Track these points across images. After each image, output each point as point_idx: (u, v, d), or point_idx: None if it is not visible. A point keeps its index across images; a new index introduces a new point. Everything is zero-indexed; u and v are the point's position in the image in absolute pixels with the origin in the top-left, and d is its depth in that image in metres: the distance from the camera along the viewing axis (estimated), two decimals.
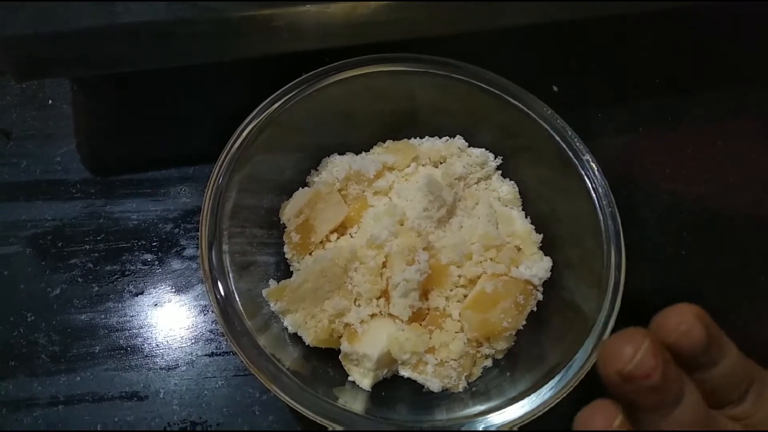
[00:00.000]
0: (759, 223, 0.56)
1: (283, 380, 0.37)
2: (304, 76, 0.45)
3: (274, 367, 0.37)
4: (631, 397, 0.26)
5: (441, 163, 0.49)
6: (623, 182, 0.56)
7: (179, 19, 0.43)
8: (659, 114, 0.60)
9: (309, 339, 0.42)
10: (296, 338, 0.43)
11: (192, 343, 0.47)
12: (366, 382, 0.42)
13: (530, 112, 0.44)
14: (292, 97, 0.44)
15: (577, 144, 0.43)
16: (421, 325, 0.43)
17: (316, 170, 0.48)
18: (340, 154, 0.49)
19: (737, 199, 0.57)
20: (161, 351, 0.47)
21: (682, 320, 0.27)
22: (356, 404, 0.40)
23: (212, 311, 0.47)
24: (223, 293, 0.39)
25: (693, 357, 0.27)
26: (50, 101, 0.55)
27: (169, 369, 0.46)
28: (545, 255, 0.45)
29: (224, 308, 0.38)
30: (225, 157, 0.42)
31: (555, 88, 0.58)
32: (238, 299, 0.39)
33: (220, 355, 0.47)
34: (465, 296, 0.43)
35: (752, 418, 0.29)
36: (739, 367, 0.28)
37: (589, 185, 0.42)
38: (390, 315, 0.42)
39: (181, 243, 0.50)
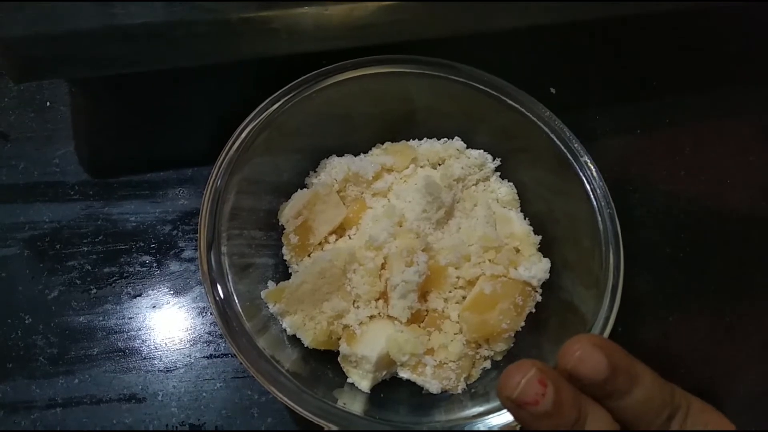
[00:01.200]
0: (756, 223, 0.57)
1: (282, 382, 0.37)
2: (302, 78, 0.45)
3: (273, 369, 0.37)
4: (528, 424, 0.27)
5: (439, 164, 0.49)
6: (621, 183, 0.56)
7: (178, 21, 0.43)
8: (657, 115, 0.60)
9: (308, 341, 0.42)
10: (295, 340, 0.43)
11: (190, 345, 0.47)
12: (365, 384, 0.42)
13: (528, 114, 0.45)
14: (291, 98, 0.44)
15: (575, 145, 0.43)
16: (419, 326, 0.43)
17: (315, 172, 0.48)
18: (338, 155, 0.49)
19: (735, 200, 0.57)
20: (159, 353, 0.46)
21: (578, 347, 0.27)
22: (355, 406, 0.40)
23: (211, 313, 0.47)
24: (222, 295, 0.39)
25: (595, 384, 0.27)
26: (48, 103, 0.55)
27: (167, 371, 0.46)
28: (544, 256, 0.46)
29: (223, 310, 0.38)
30: (224, 159, 0.42)
31: (553, 90, 0.58)
32: (237, 301, 0.39)
33: (218, 357, 0.47)
34: (464, 297, 0.43)
35: None
36: (655, 395, 0.29)
37: (588, 187, 0.42)
38: (389, 316, 0.42)
39: (180, 245, 0.50)
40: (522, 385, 0.27)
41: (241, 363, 0.37)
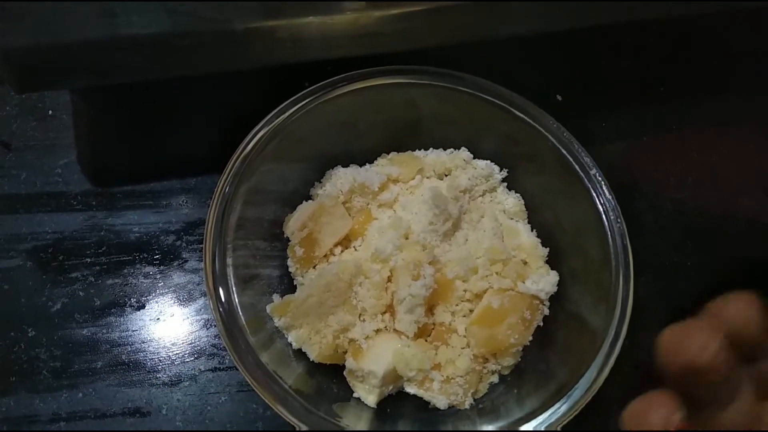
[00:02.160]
0: (764, 230, 0.56)
1: (288, 400, 0.36)
2: (310, 88, 0.44)
3: (279, 387, 0.37)
4: (690, 389, 0.25)
5: (446, 175, 0.49)
6: (627, 190, 0.56)
7: (182, 32, 0.43)
8: (663, 122, 0.60)
9: (313, 355, 0.42)
10: (300, 354, 0.42)
11: (195, 358, 0.46)
12: (371, 399, 0.41)
13: (536, 125, 0.44)
14: (299, 108, 0.44)
15: (584, 158, 0.43)
16: (426, 340, 0.42)
17: (320, 183, 0.48)
18: (344, 166, 0.49)
19: (743, 206, 0.57)
20: (164, 366, 0.46)
21: (744, 308, 0.26)
22: (361, 421, 0.40)
23: (215, 326, 0.46)
24: (227, 309, 0.39)
25: (753, 345, 0.26)
26: (50, 112, 0.54)
27: (171, 384, 0.46)
28: (551, 268, 0.45)
29: (228, 326, 0.38)
30: (232, 168, 0.42)
31: (559, 97, 0.58)
32: (241, 315, 0.39)
33: (223, 370, 0.46)
34: (471, 311, 0.43)
35: None
36: None
37: (597, 200, 0.42)
38: (395, 330, 0.42)
39: (183, 256, 0.50)
40: (711, 351, 0.24)
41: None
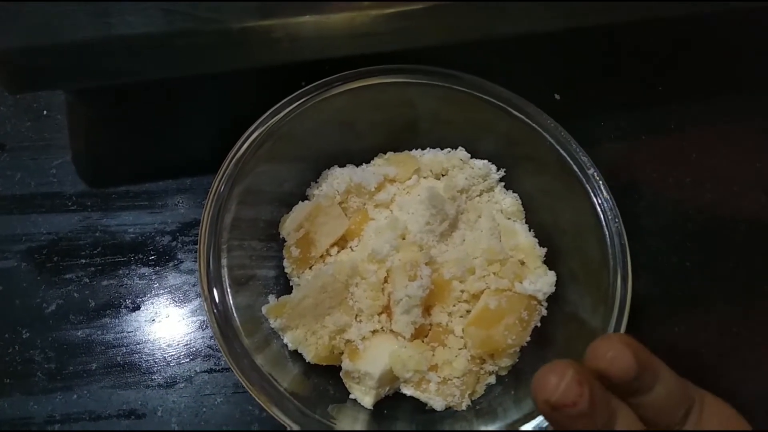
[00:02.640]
0: (765, 230, 0.56)
1: (283, 402, 0.36)
2: (305, 88, 0.44)
3: (274, 389, 0.36)
4: (563, 425, 0.27)
5: (443, 175, 0.48)
6: (626, 191, 0.55)
7: (177, 31, 0.43)
8: (663, 122, 0.59)
9: (309, 356, 0.41)
10: (296, 355, 0.42)
11: (190, 360, 0.46)
12: (367, 400, 0.41)
13: (534, 125, 0.44)
14: (294, 108, 0.44)
15: (582, 158, 0.42)
16: (423, 341, 0.42)
17: (316, 183, 0.48)
18: (340, 165, 0.48)
19: (742, 206, 0.57)
20: (159, 368, 0.46)
21: (610, 347, 0.27)
22: (358, 423, 0.40)
23: (210, 327, 0.46)
24: (221, 311, 0.38)
25: (624, 383, 0.27)
26: (45, 112, 0.54)
27: (167, 386, 0.45)
28: (549, 268, 0.45)
29: (223, 328, 0.37)
30: (226, 168, 0.42)
31: (557, 96, 0.58)
32: (236, 316, 0.39)
33: (218, 371, 0.46)
34: (468, 312, 0.43)
35: None
36: (675, 390, 0.29)
37: (595, 200, 0.41)
38: (392, 331, 0.42)
39: (179, 256, 0.49)
40: (562, 388, 0.26)
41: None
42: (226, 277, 0.39)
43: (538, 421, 0.37)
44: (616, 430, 0.28)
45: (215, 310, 0.38)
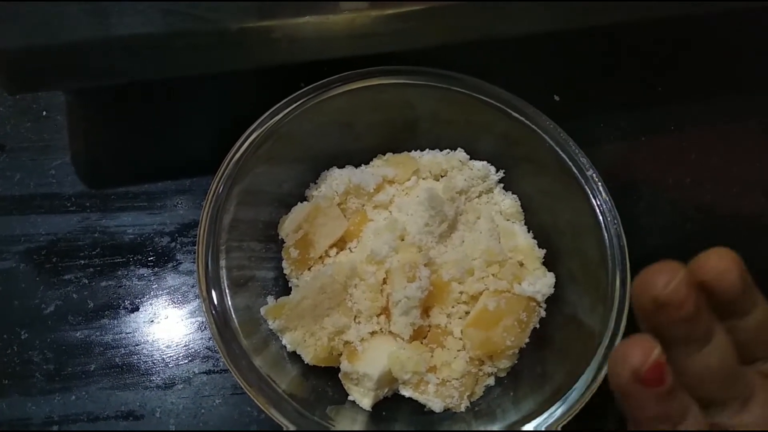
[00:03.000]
0: (765, 231, 0.56)
1: (282, 404, 0.36)
2: (304, 89, 0.44)
3: (272, 390, 0.36)
4: (663, 328, 0.26)
5: (442, 176, 0.48)
6: (626, 191, 0.55)
7: (175, 32, 0.42)
8: (662, 122, 0.59)
9: (308, 357, 0.41)
10: (295, 357, 0.42)
11: (189, 361, 0.46)
12: (366, 402, 0.41)
13: (533, 126, 0.44)
14: (293, 109, 0.43)
15: (581, 159, 0.42)
16: (422, 342, 0.42)
17: (315, 184, 0.48)
18: (339, 166, 0.48)
19: (742, 207, 0.57)
20: (157, 369, 0.46)
21: (721, 261, 0.26)
22: (356, 424, 0.40)
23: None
24: (219, 312, 0.38)
25: (727, 300, 0.27)
26: (44, 112, 0.54)
27: (165, 387, 0.45)
28: (548, 269, 0.45)
29: (221, 329, 0.37)
30: (225, 169, 0.42)
31: (557, 97, 0.57)
32: (235, 318, 0.39)
33: (217, 372, 0.46)
34: (467, 313, 0.42)
35: None
36: None
37: (594, 202, 0.41)
38: (391, 332, 0.42)
39: (178, 257, 0.49)
40: (672, 286, 0.25)
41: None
42: (225, 278, 0.39)
43: (537, 422, 0.37)
44: (710, 349, 0.26)
45: (213, 312, 0.38)
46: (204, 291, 0.38)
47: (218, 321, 0.38)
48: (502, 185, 0.49)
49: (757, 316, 0.28)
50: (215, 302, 0.38)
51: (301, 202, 0.46)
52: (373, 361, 0.40)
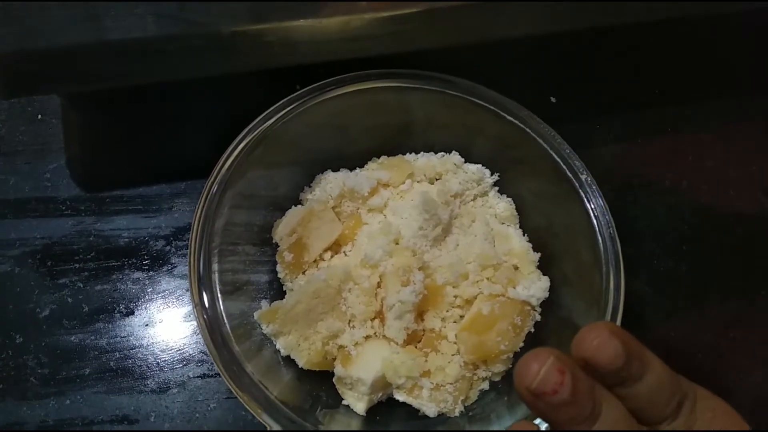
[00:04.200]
0: (760, 235, 0.56)
1: (274, 410, 0.36)
2: (299, 92, 0.44)
3: (264, 396, 0.36)
4: (546, 414, 0.27)
5: (436, 179, 0.48)
6: (622, 194, 0.55)
7: (169, 36, 0.42)
8: (658, 124, 0.59)
9: (302, 362, 0.41)
10: (289, 361, 0.42)
11: (183, 365, 0.46)
12: (360, 407, 0.41)
13: (527, 129, 0.44)
14: (288, 112, 0.43)
15: (576, 162, 0.42)
16: (416, 347, 0.42)
17: (310, 187, 0.47)
18: (334, 169, 0.48)
19: (738, 210, 0.56)
20: (152, 373, 0.46)
21: (596, 335, 0.27)
22: (350, 429, 0.40)
23: None
24: (211, 316, 0.38)
25: (612, 372, 0.27)
26: (40, 116, 0.54)
27: (160, 391, 0.45)
28: (543, 272, 0.45)
29: (213, 335, 0.37)
30: (218, 172, 0.41)
31: (553, 99, 0.57)
32: (227, 322, 0.39)
33: (211, 376, 0.46)
34: (461, 317, 0.42)
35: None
36: (666, 381, 0.29)
37: (588, 205, 0.41)
38: (385, 337, 0.42)
39: (173, 261, 0.49)
40: (541, 375, 0.26)
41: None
42: (217, 282, 0.39)
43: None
44: (600, 424, 0.27)
45: (205, 316, 0.38)
46: (196, 295, 0.38)
47: (209, 325, 0.38)
48: (496, 188, 0.49)
49: (650, 379, 0.28)
50: (206, 306, 0.38)
51: (296, 205, 0.46)
52: (367, 366, 0.40)
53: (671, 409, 0.29)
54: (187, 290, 0.48)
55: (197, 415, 0.45)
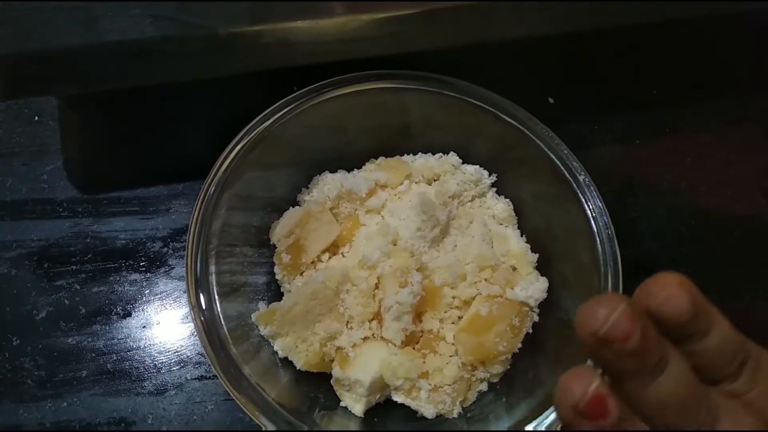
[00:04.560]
0: (759, 236, 0.55)
1: (272, 411, 0.36)
2: (296, 93, 0.44)
3: (261, 398, 0.36)
4: (610, 363, 0.25)
5: (434, 180, 0.48)
6: (621, 195, 0.55)
7: (167, 37, 0.42)
8: (657, 125, 0.59)
9: (300, 363, 0.41)
10: (287, 363, 0.42)
11: (181, 367, 0.46)
12: (358, 408, 0.41)
13: (525, 130, 0.44)
14: (285, 114, 0.43)
15: (573, 163, 0.42)
16: (414, 348, 0.42)
17: (307, 189, 0.47)
18: (332, 171, 0.48)
19: (737, 211, 0.56)
20: (149, 375, 0.46)
21: (665, 287, 0.26)
22: (348, 431, 0.40)
23: None
24: (208, 318, 0.38)
25: (678, 325, 0.26)
26: (36, 117, 0.54)
27: (157, 394, 0.45)
28: (541, 273, 0.45)
29: (210, 337, 0.37)
30: (216, 174, 0.41)
31: (551, 100, 0.57)
32: (224, 324, 0.39)
33: (209, 378, 0.46)
34: (459, 318, 0.42)
35: (750, 394, 0.28)
36: (730, 340, 0.27)
37: (586, 206, 0.41)
38: (383, 338, 0.42)
39: (170, 263, 0.49)
40: (613, 320, 0.24)
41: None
42: (214, 283, 0.39)
43: (531, 427, 0.36)
44: (665, 377, 0.26)
45: (202, 318, 0.38)
46: (193, 297, 0.38)
47: (206, 327, 0.38)
48: (494, 189, 0.49)
49: (715, 337, 0.27)
50: (203, 308, 0.38)
51: (293, 206, 0.46)
52: (364, 367, 0.40)
53: (734, 368, 0.28)
54: (185, 292, 0.48)
55: (195, 417, 0.45)
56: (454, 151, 0.49)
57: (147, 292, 0.48)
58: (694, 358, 0.27)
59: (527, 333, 0.42)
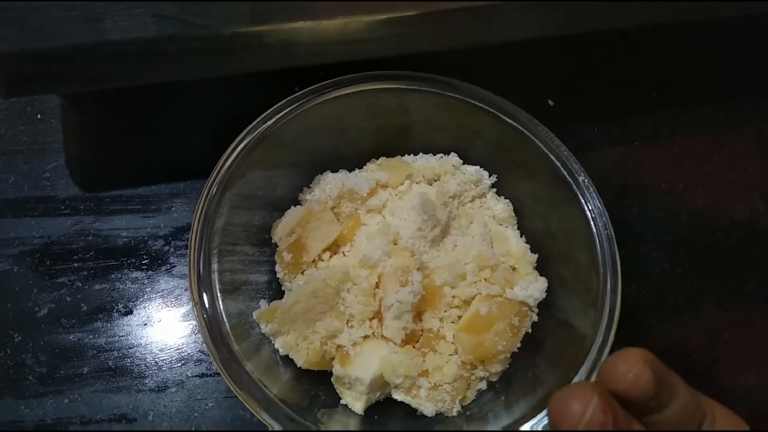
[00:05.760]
0: (757, 238, 0.56)
1: (273, 408, 0.36)
2: (298, 93, 0.44)
3: (263, 395, 0.36)
4: None
5: (435, 180, 0.48)
6: (619, 197, 0.56)
7: (169, 36, 0.43)
8: (655, 128, 0.59)
9: (300, 361, 0.41)
10: (288, 360, 0.42)
11: (182, 364, 0.46)
12: (358, 406, 0.41)
13: (525, 131, 0.44)
14: (287, 113, 0.44)
15: (573, 164, 0.42)
16: (414, 347, 0.42)
17: (309, 188, 0.48)
18: (333, 170, 0.48)
19: (735, 213, 0.57)
20: (150, 372, 0.46)
21: (631, 367, 0.27)
22: (348, 428, 0.40)
23: None
24: (211, 316, 0.38)
25: (643, 402, 0.27)
26: (39, 115, 0.54)
27: (158, 390, 0.45)
28: (540, 273, 0.45)
29: (213, 334, 0.37)
30: (218, 173, 0.42)
31: (551, 102, 0.58)
32: (226, 321, 0.39)
33: (210, 376, 0.46)
34: (459, 317, 0.43)
35: None
36: (689, 404, 0.28)
37: (585, 207, 0.41)
38: (383, 337, 0.42)
39: (171, 261, 0.49)
40: (588, 417, 0.25)
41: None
42: (217, 281, 0.39)
43: (530, 425, 0.37)
44: None
45: (205, 315, 0.38)
46: (195, 294, 0.38)
47: (209, 324, 0.38)
48: (494, 190, 0.49)
49: (676, 404, 0.28)
50: (206, 306, 0.38)
51: (295, 206, 0.46)
52: (365, 365, 0.40)
53: (694, 429, 0.29)
54: (186, 290, 0.48)
55: (195, 414, 0.45)
56: (455, 152, 0.49)
57: (148, 289, 0.48)
58: (657, 427, 0.28)
59: (526, 332, 0.43)
